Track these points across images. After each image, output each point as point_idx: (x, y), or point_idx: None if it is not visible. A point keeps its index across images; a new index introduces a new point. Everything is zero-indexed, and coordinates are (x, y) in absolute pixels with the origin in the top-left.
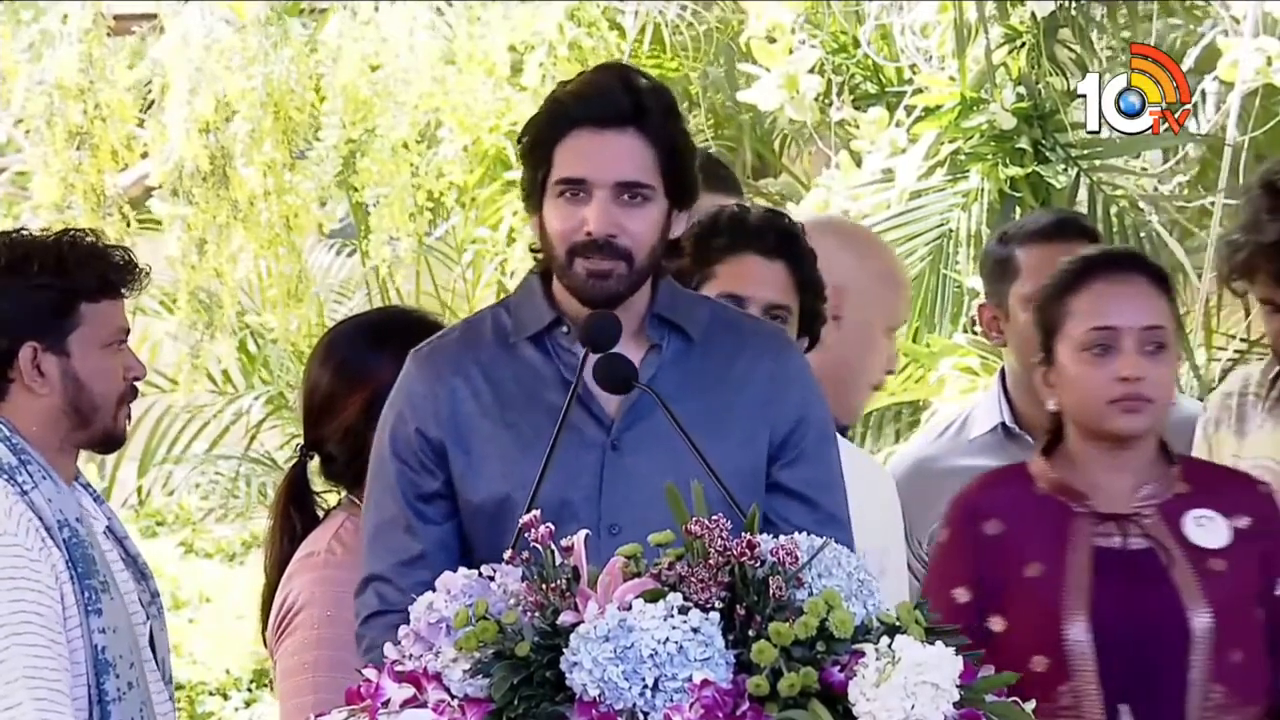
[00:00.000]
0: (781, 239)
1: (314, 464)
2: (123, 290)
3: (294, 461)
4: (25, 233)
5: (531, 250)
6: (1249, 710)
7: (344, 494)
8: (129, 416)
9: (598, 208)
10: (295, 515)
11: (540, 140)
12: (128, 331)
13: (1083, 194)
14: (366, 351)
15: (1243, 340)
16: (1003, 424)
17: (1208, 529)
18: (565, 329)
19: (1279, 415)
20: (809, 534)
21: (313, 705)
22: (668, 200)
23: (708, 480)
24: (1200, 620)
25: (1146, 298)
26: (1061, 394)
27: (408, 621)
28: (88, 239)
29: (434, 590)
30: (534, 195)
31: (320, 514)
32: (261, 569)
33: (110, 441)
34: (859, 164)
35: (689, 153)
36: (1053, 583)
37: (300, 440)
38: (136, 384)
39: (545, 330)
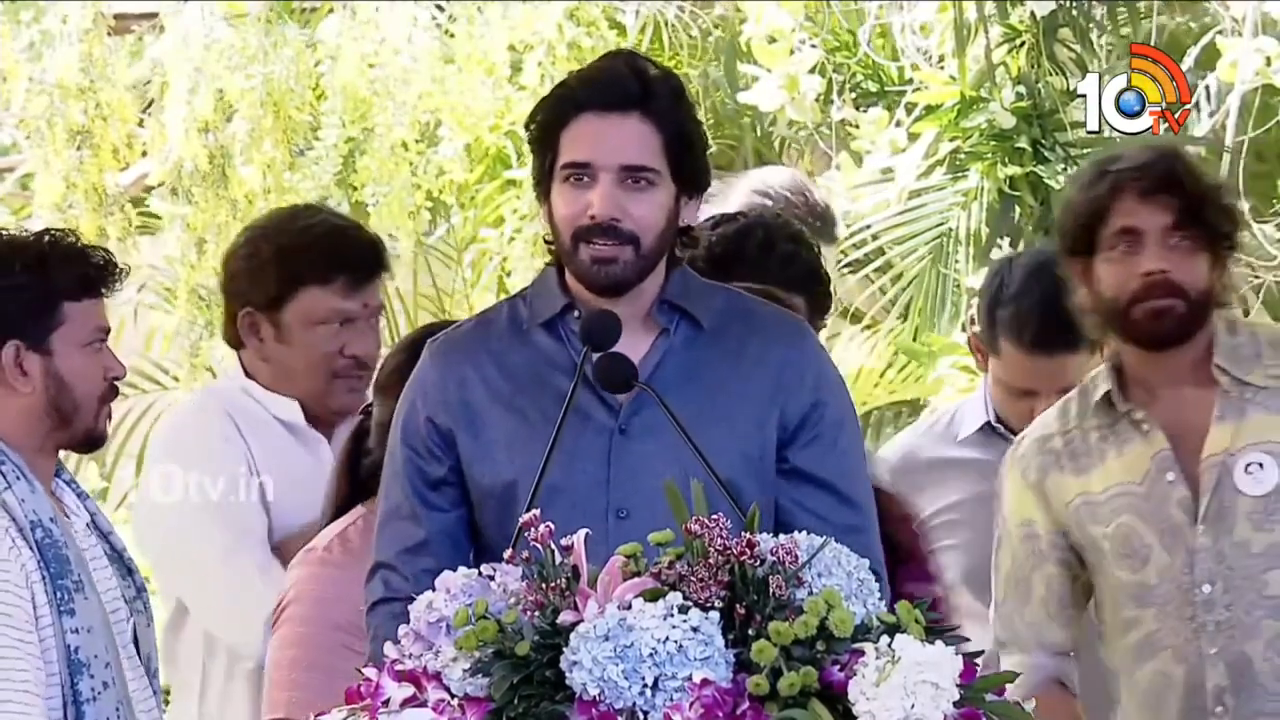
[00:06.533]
0: (806, 275)
1: None
2: (102, 290)
3: (355, 428)
4: (5, 233)
5: (545, 241)
6: None
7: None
8: (109, 416)
9: (602, 191)
10: (345, 483)
11: (547, 125)
12: (108, 331)
13: None
14: None
15: None
16: (988, 422)
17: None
18: (577, 314)
19: (1114, 441)
20: (826, 519)
21: (285, 703)
22: (675, 185)
23: (708, 474)
24: None
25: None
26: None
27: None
28: (68, 238)
29: (436, 581)
30: (542, 182)
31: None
32: None
33: (91, 441)
34: (860, 164)
35: (698, 139)
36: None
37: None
38: (117, 384)
39: (558, 316)
